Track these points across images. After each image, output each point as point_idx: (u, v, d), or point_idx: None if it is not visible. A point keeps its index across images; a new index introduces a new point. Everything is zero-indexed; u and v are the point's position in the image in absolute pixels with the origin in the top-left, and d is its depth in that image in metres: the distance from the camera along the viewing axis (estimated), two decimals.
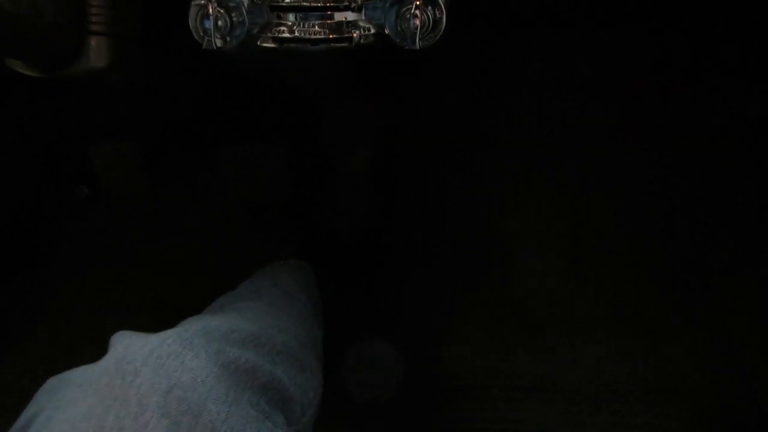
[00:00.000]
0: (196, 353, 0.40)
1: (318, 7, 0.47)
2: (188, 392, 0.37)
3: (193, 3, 0.49)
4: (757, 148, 1.01)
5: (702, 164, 1.02)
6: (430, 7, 0.47)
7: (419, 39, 0.47)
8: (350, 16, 0.48)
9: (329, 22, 0.48)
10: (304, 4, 0.47)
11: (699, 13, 1.00)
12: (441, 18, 0.47)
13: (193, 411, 0.37)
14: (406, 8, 0.47)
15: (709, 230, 1.00)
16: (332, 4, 0.47)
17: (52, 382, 0.43)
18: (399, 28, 0.48)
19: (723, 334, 0.93)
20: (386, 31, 0.49)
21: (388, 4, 0.48)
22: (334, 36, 0.48)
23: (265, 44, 0.50)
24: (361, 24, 0.48)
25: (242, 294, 0.66)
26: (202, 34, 0.49)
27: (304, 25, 0.48)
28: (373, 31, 0.49)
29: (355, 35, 0.48)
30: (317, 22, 0.48)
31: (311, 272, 0.81)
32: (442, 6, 0.47)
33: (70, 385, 0.40)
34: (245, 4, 0.49)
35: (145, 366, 0.38)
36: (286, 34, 0.49)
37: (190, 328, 0.43)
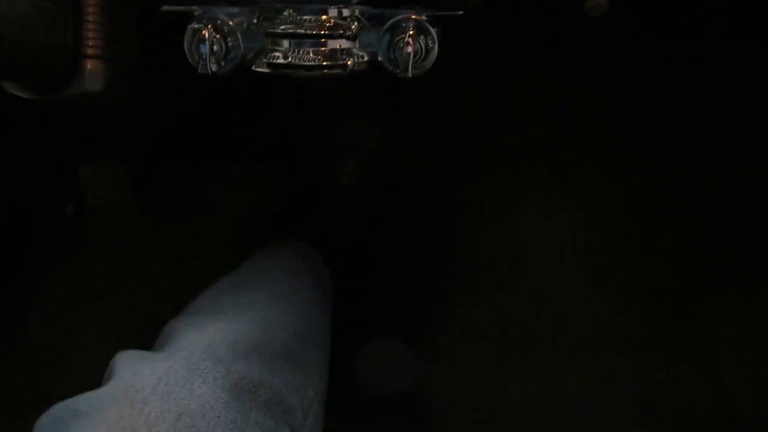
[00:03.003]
0: (204, 378, 0.40)
1: (313, 34, 0.48)
2: (197, 419, 0.38)
3: (188, 27, 0.50)
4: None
5: (704, 188, 1.01)
6: (422, 37, 0.48)
7: (411, 67, 0.48)
8: (344, 43, 0.48)
9: (323, 49, 0.49)
10: (299, 31, 0.48)
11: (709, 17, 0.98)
12: (433, 48, 0.48)
13: None
14: (399, 37, 0.48)
15: (692, 254, 1.00)
16: (327, 32, 0.48)
17: (56, 411, 0.43)
18: (392, 56, 0.49)
19: (709, 355, 0.94)
20: (379, 59, 0.50)
21: (381, 33, 0.49)
22: (328, 63, 0.49)
23: (259, 69, 0.51)
24: (355, 51, 0.49)
25: (245, 278, 0.64)
26: (197, 58, 0.49)
27: (298, 51, 0.49)
28: (366, 58, 0.50)
29: (349, 63, 0.49)
30: (312, 48, 0.49)
31: (315, 251, 0.80)
32: (435, 36, 0.48)
33: (79, 415, 0.40)
34: (241, 30, 0.49)
35: (153, 394, 0.38)
36: (281, 60, 0.49)
37: (196, 350, 0.43)
